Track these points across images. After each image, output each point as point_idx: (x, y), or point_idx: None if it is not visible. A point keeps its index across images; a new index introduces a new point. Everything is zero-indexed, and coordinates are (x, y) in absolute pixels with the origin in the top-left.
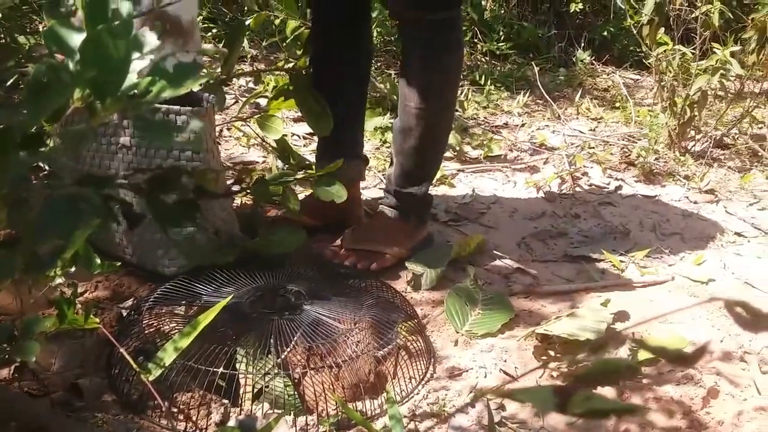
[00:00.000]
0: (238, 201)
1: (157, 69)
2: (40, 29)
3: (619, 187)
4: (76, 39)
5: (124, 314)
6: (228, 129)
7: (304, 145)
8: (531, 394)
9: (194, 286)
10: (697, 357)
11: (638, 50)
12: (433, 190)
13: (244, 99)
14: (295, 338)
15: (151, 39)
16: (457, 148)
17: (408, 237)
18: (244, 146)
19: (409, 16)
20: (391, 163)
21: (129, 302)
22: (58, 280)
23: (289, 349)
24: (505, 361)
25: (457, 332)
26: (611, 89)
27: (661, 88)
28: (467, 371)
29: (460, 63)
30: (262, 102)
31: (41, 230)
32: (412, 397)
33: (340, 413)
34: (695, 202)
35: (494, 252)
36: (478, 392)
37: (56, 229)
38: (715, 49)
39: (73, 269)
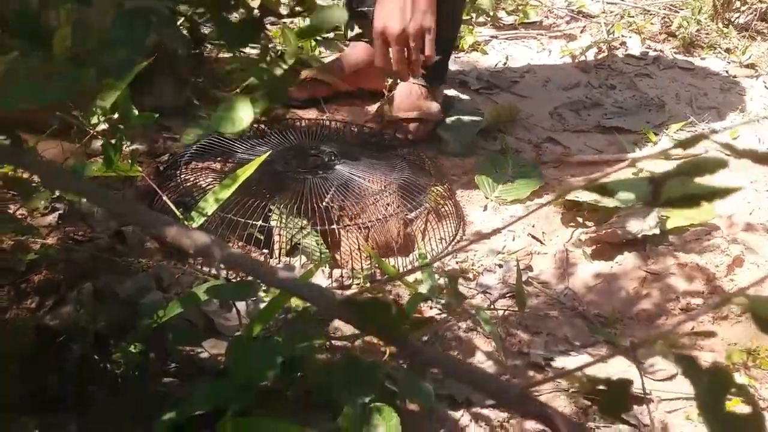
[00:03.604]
0: None
1: None
2: None
3: (657, 59)
4: None
5: (161, 168)
6: None
7: None
8: (625, 184)
9: (229, 143)
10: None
11: None
12: (466, 57)
13: None
14: (329, 196)
15: None
16: (491, 13)
17: (436, 99)
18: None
19: None
20: None
21: (165, 157)
22: (101, 127)
23: (325, 202)
24: (533, 226)
25: (487, 198)
26: None
27: None
28: (495, 234)
29: None
30: None
31: (112, 42)
32: (442, 256)
33: (373, 267)
34: (734, 76)
35: (526, 121)
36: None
37: (127, 41)
38: None
39: (115, 115)
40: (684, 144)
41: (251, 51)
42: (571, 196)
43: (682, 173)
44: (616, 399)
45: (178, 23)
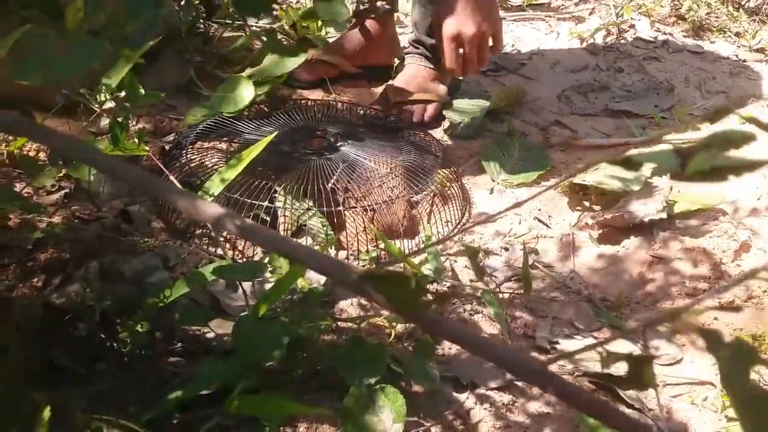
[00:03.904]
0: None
1: None
2: None
3: (666, 42)
4: None
5: (167, 148)
6: None
7: None
8: (652, 156)
9: (235, 123)
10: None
11: None
12: None
13: None
14: (335, 177)
15: None
16: None
17: (443, 81)
18: None
19: None
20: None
21: (171, 137)
22: (108, 105)
23: (330, 184)
24: (539, 209)
25: (493, 181)
26: None
27: None
28: (501, 218)
29: None
30: None
31: (128, 14)
32: (447, 238)
33: (379, 249)
34: (744, 61)
35: (533, 104)
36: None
37: (143, 13)
38: None
39: (122, 94)
40: (710, 117)
41: (255, 29)
42: (578, 180)
43: (708, 146)
44: (638, 374)
45: None
